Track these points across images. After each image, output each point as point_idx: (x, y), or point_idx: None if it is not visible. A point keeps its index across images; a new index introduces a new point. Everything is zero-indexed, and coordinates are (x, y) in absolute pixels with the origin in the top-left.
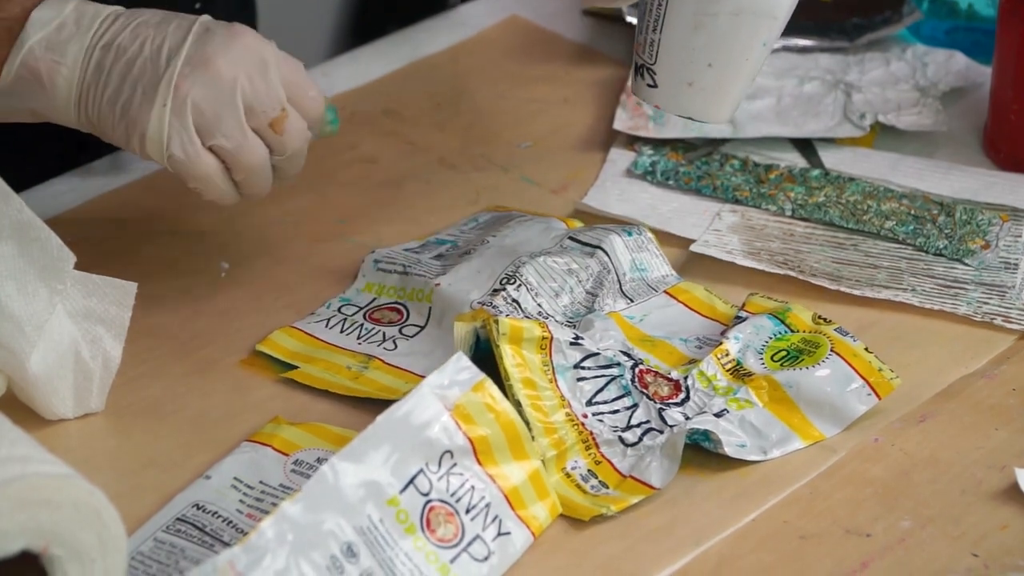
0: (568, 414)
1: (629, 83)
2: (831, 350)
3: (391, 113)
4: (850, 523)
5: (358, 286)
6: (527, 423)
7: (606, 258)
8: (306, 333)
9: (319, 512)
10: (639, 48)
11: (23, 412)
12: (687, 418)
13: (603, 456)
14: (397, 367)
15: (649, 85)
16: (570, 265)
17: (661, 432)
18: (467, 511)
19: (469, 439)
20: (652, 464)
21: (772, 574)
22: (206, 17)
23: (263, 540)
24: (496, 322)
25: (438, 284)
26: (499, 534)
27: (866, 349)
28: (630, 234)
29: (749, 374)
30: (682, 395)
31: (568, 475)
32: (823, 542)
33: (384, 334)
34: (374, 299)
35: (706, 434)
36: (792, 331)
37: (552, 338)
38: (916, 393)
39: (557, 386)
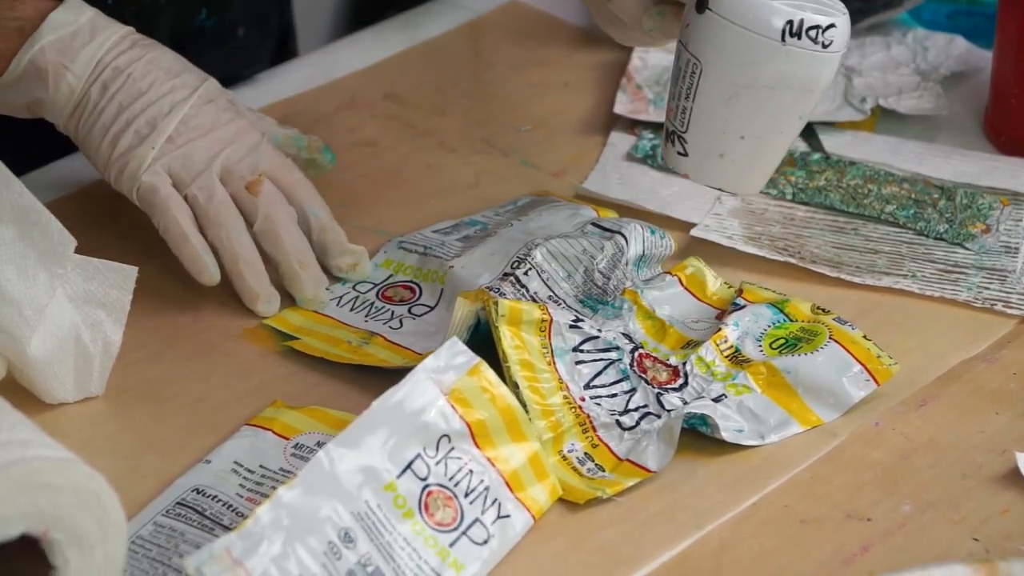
0: (566, 397)
1: (660, 148)
2: (829, 337)
3: (391, 97)
4: (851, 507)
5: (377, 260)
6: (524, 405)
7: (623, 242)
8: (314, 310)
9: (315, 498)
10: (670, 113)
11: (23, 396)
12: (685, 403)
13: (600, 439)
14: (397, 344)
15: (679, 153)
16: (584, 246)
17: (659, 417)
18: (466, 495)
19: (466, 423)
20: (649, 448)
21: (773, 558)
22: (213, 82)
23: (259, 526)
24: (495, 304)
25: (451, 266)
26: (499, 517)
27: (864, 337)
28: (653, 232)
29: (747, 360)
30: (680, 380)
31: (564, 458)
32: (824, 526)
33: (392, 312)
34: (390, 276)
35: (703, 418)
36: (791, 320)
37: (551, 320)
38: (917, 377)
39: (555, 369)
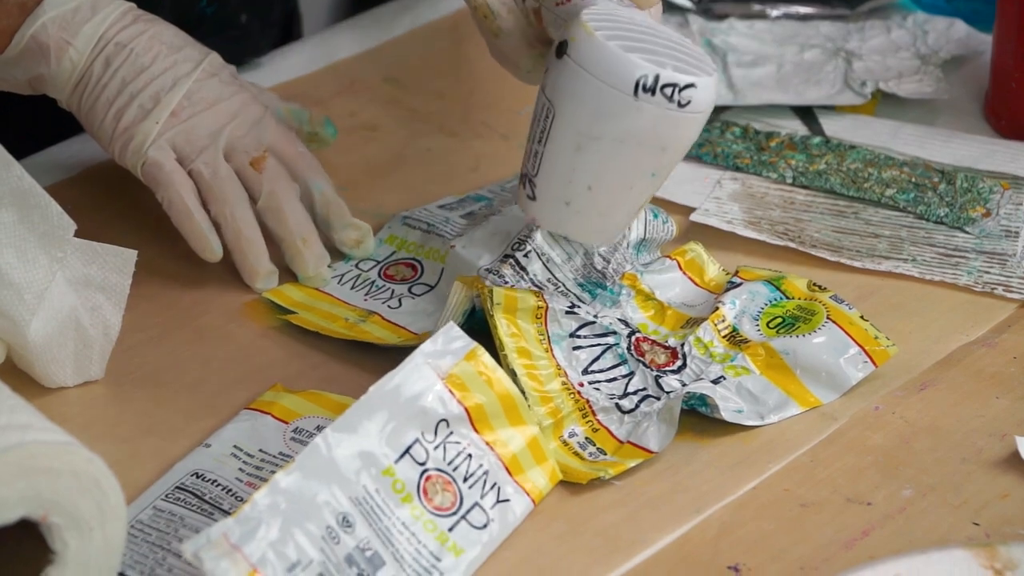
0: (564, 383)
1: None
2: (827, 318)
3: (392, 80)
4: (851, 491)
5: (381, 236)
6: (522, 392)
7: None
8: (315, 287)
9: (313, 483)
10: (526, 157)
11: (23, 380)
12: (684, 385)
13: (600, 423)
14: (394, 323)
15: (528, 196)
16: None
17: (658, 399)
18: (465, 479)
19: (464, 407)
20: (649, 429)
21: (772, 542)
22: (215, 57)
23: (257, 511)
24: (490, 292)
25: (453, 246)
26: (498, 501)
27: (862, 317)
28: (656, 216)
29: (745, 341)
30: (679, 362)
31: (566, 443)
32: (824, 510)
33: (392, 291)
34: (393, 252)
35: (703, 399)
36: (788, 298)
37: (547, 307)
38: (917, 361)
39: (553, 355)
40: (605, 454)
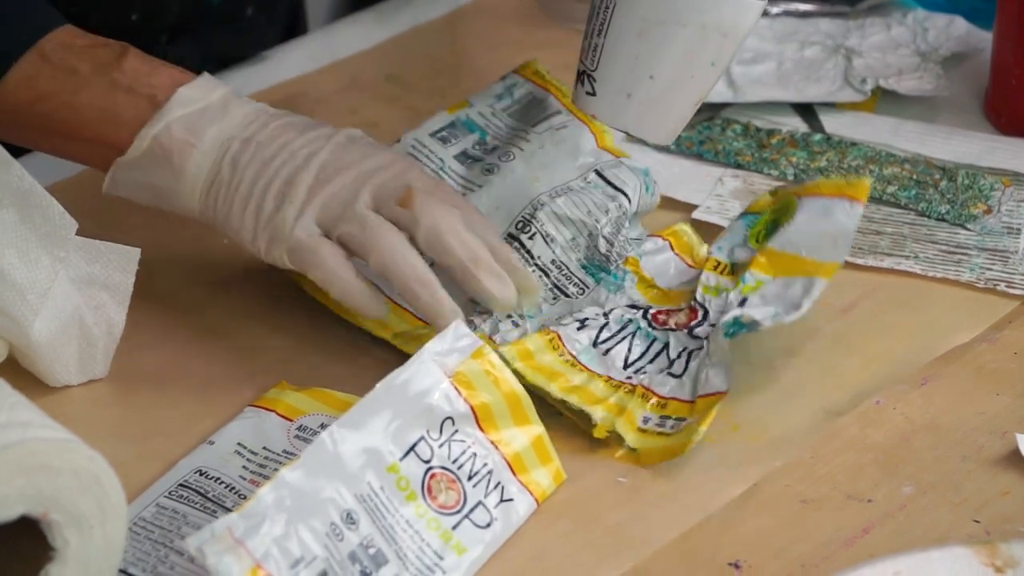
0: (611, 384)
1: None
2: (798, 199)
3: (392, 78)
4: (851, 488)
5: None
6: (581, 413)
7: (627, 203)
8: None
9: (318, 479)
10: (583, 53)
11: (27, 379)
12: (714, 326)
13: (664, 397)
14: (398, 304)
15: (588, 92)
16: (589, 207)
17: (700, 348)
18: (469, 478)
19: (470, 405)
20: (709, 373)
21: (773, 539)
22: (353, 130)
23: (261, 507)
24: (502, 355)
25: None
26: (502, 500)
27: (825, 177)
28: (648, 189)
29: (746, 264)
30: (701, 314)
31: (644, 431)
32: (824, 507)
33: None
34: None
35: (738, 321)
36: (760, 214)
37: (558, 335)
38: (917, 356)
39: (589, 369)
40: (684, 419)
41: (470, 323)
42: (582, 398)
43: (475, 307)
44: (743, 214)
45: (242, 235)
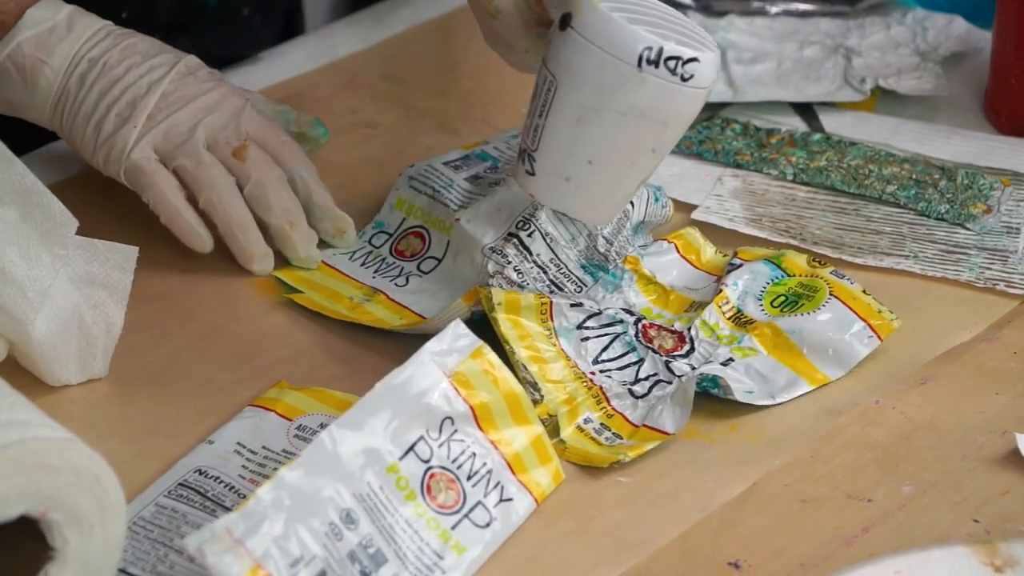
0: (575, 371)
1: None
2: (830, 294)
3: (391, 78)
4: (851, 488)
5: (391, 202)
6: (534, 384)
7: (629, 207)
8: (324, 263)
9: (318, 479)
10: (525, 131)
11: (26, 378)
12: (694, 368)
13: (615, 409)
14: (399, 303)
15: (528, 172)
16: None
17: (670, 383)
18: (468, 477)
19: (469, 405)
20: (664, 412)
21: (773, 538)
22: (191, 58)
23: (261, 506)
24: (489, 295)
25: (457, 219)
26: (501, 500)
27: (864, 291)
28: (657, 200)
29: (751, 321)
30: (687, 346)
31: (581, 429)
32: (824, 506)
33: (402, 268)
34: (403, 220)
35: (715, 380)
36: (789, 275)
37: (551, 303)
38: (917, 356)
39: (560, 348)
40: (621, 438)
41: (496, 251)
42: (541, 372)
43: (494, 243)
44: (775, 261)
45: (83, 148)
